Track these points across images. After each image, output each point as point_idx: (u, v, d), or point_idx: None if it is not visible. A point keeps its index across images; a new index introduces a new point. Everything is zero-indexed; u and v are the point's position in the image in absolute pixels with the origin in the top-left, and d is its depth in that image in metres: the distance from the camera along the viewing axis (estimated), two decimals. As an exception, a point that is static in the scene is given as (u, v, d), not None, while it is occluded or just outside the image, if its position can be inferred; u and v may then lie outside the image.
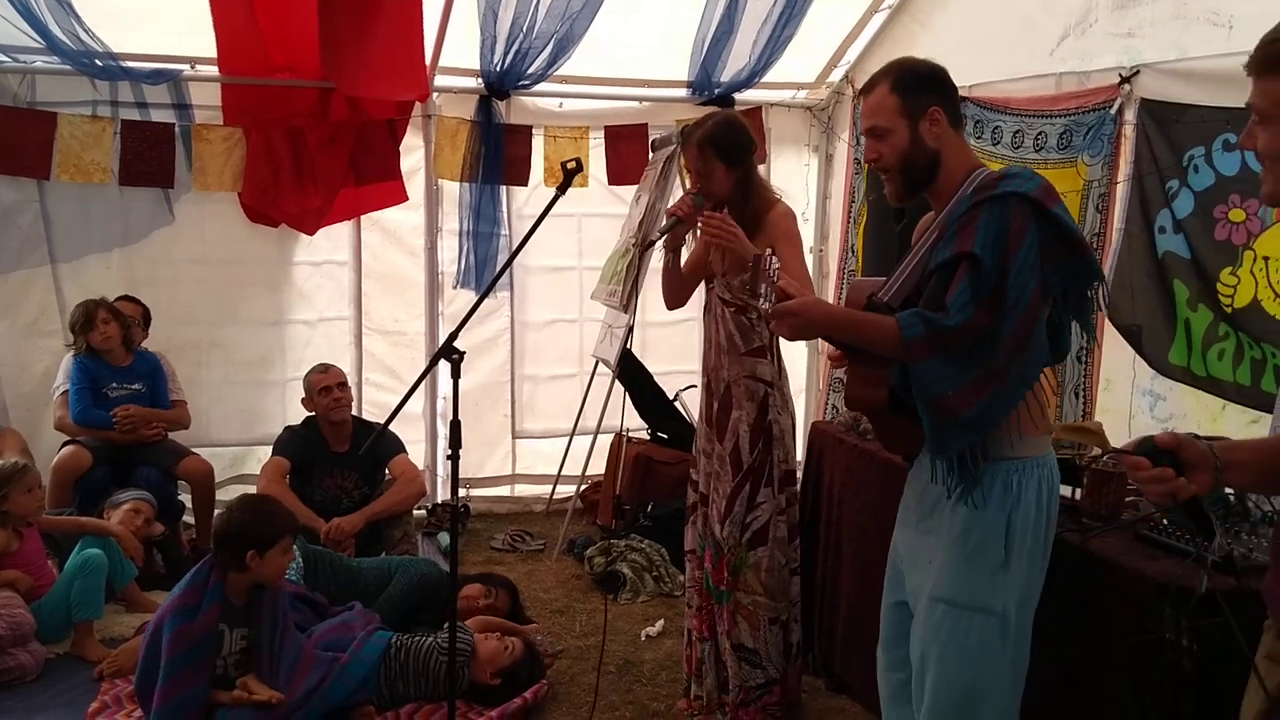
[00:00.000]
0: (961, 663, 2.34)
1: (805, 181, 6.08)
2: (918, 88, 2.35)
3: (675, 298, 3.52)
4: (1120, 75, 3.85)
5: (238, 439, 5.37)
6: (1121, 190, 3.90)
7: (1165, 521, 2.70)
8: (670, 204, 3.58)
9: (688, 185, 3.35)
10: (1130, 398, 3.89)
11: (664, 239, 3.30)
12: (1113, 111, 3.90)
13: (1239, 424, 3.31)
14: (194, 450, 4.81)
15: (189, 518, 4.88)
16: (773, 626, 3.41)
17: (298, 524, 3.56)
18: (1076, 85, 4.10)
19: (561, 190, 2.86)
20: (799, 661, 3.61)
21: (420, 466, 5.30)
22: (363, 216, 5.45)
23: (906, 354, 2.21)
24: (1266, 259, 3.35)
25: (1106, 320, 3.89)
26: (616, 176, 5.62)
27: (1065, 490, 2.93)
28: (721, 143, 3.21)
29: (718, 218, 3.08)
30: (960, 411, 2.20)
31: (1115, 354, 3.97)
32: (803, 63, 5.67)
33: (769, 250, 2.38)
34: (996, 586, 2.31)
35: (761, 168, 5.77)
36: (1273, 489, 2.10)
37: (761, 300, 2.21)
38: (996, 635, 2.32)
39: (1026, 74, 4.29)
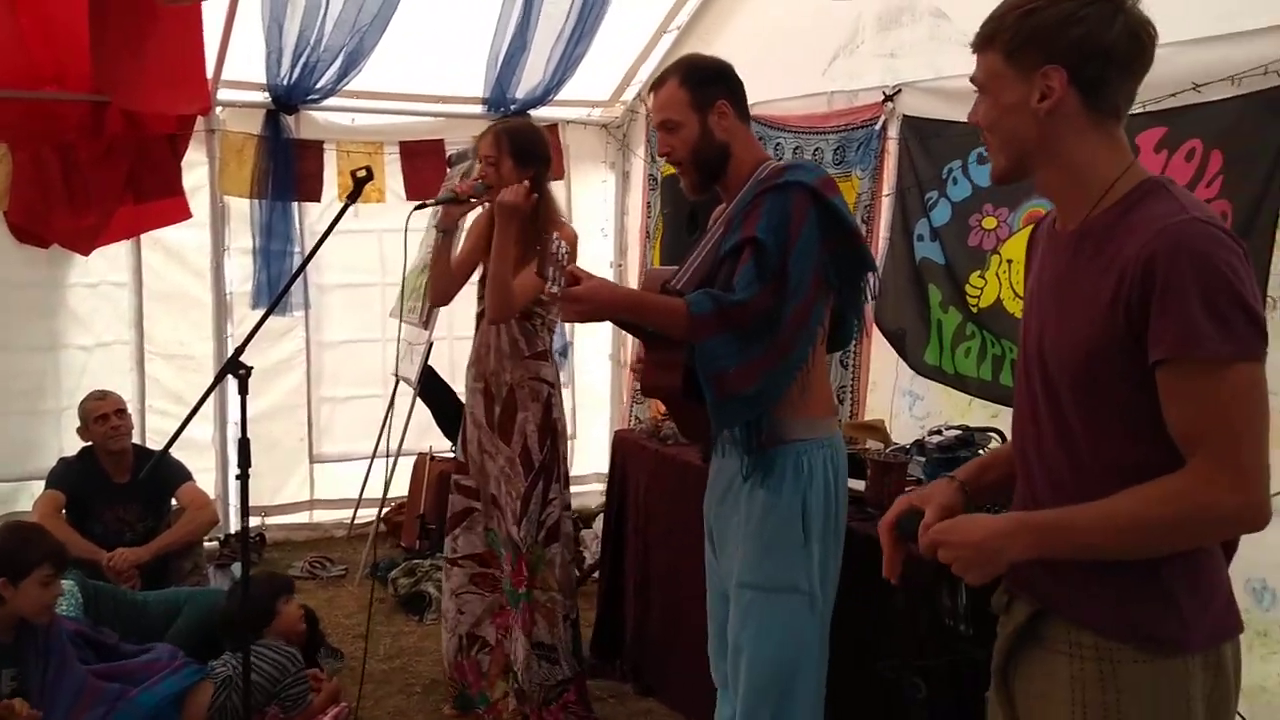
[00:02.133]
0: (774, 643, 2.44)
1: (604, 198, 6.17)
2: (705, 81, 2.46)
3: (442, 292, 3.53)
4: (884, 94, 4.11)
5: (9, 474, 4.98)
6: (886, 202, 4.16)
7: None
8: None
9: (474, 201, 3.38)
10: (893, 398, 4.15)
11: (439, 218, 3.33)
12: (878, 128, 4.15)
13: (982, 418, 3.59)
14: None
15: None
16: (566, 621, 3.48)
17: (61, 553, 3.28)
18: (846, 103, 4.35)
19: (352, 199, 2.83)
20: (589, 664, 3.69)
21: (211, 495, 5.07)
22: (143, 235, 5.17)
23: (694, 331, 2.29)
24: (1010, 261, 3.63)
25: (874, 326, 4.14)
26: (414, 192, 5.55)
27: (856, 484, 3.10)
28: (517, 138, 3.30)
29: (519, 187, 3.16)
30: (740, 388, 2.30)
31: (881, 357, 4.24)
32: (597, 81, 5.76)
33: (555, 234, 2.43)
34: (799, 565, 2.42)
35: (560, 184, 5.84)
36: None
37: (549, 284, 2.25)
38: (805, 613, 2.43)
39: (802, 93, 4.52)
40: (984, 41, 1.59)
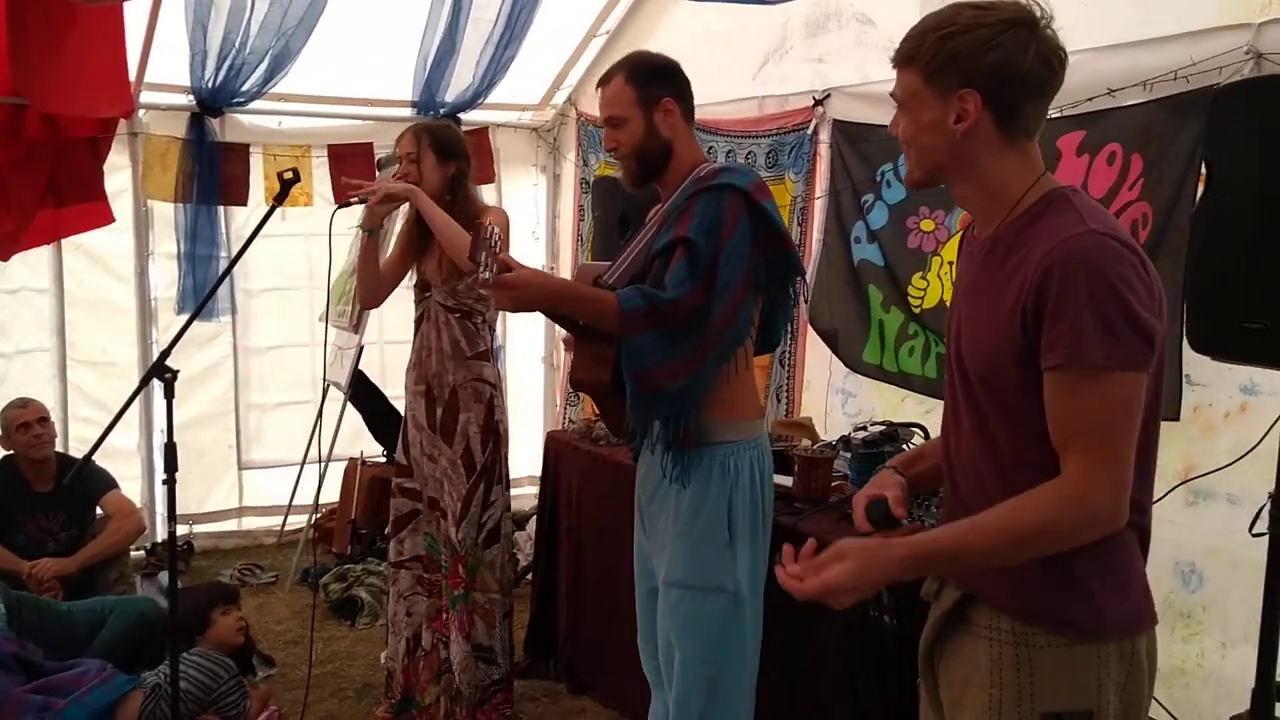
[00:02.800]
0: (702, 641, 2.47)
1: (535, 201, 6.18)
2: (652, 79, 2.50)
3: (372, 293, 3.54)
4: (814, 98, 4.18)
5: (-75, 484, 4.86)
6: (820, 204, 4.23)
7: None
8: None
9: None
10: (826, 397, 4.23)
11: (363, 218, 3.35)
12: (809, 132, 4.22)
13: (915, 413, 3.67)
14: None
15: None
16: (504, 621, 3.49)
17: None
18: (777, 107, 4.42)
19: (279, 200, 2.82)
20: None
21: (138, 504, 4.98)
22: (64, 240, 5.07)
23: (623, 326, 2.32)
24: (950, 263, 3.72)
25: (809, 326, 4.21)
26: (342, 195, 5.50)
27: (785, 480, 3.16)
28: (436, 133, 3.38)
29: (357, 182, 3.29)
30: (664, 385, 2.34)
31: (814, 357, 4.31)
32: (527, 85, 5.78)
33: (489, 220, 2.45)
34: (725, 565, 2.45)
35: (491, 187, 5.85)
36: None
37: (481, 270, 2.26)
38: (731, 611, 2.47)
39: (733, 97, 4.57)
40: (904, 60, 1.64)
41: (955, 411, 1.70)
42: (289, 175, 2.81)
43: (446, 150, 3.35)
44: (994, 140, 1.59)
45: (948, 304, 3.70)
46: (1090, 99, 3.11)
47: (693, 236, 2.33)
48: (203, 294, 5.23)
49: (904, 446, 3.08)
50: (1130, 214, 3.03)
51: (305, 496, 5.37)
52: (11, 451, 4.30)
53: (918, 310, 3.84)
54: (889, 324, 3.96)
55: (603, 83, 2.57)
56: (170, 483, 2.66)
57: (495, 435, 3.43)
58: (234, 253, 5.26)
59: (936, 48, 1.58)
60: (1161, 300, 1.53)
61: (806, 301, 2.51)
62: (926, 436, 3.15)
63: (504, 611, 3.49)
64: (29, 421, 4.26)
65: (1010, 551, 1.52)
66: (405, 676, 3.57)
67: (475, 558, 3.40)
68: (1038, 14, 1.57)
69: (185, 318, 5.19)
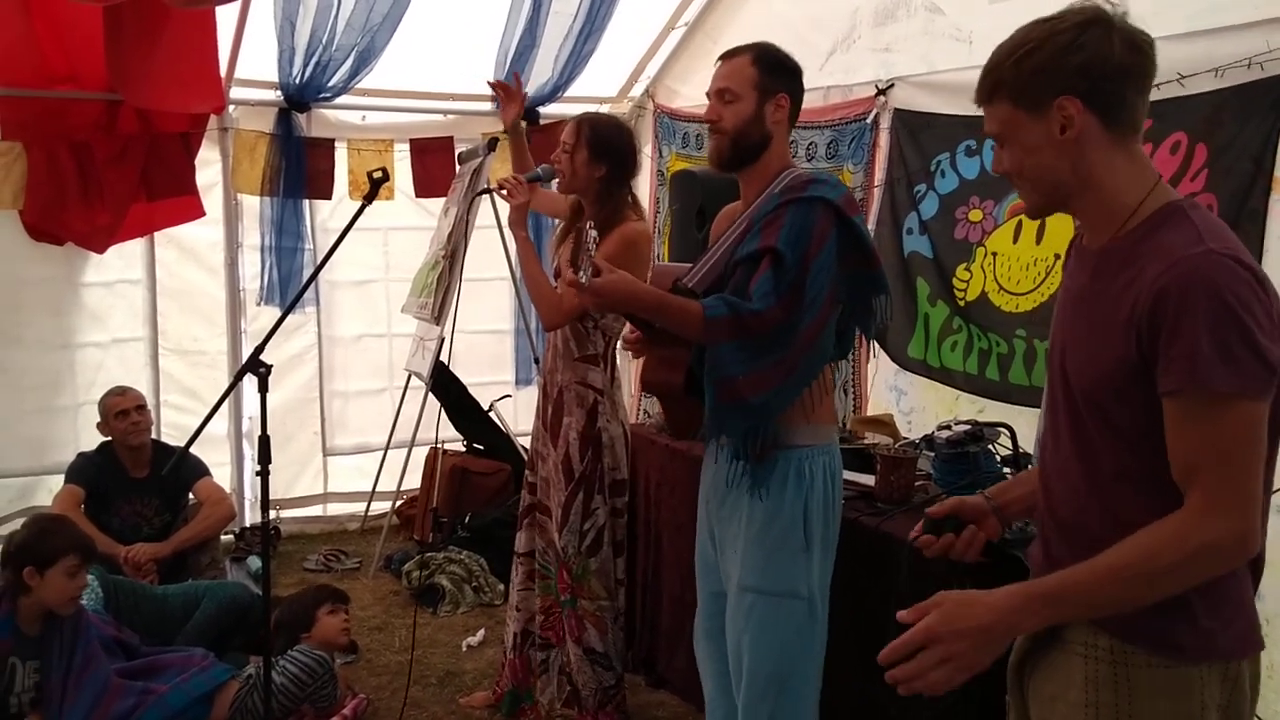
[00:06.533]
0: (774, 646, 2.47)
1: (611, 193, 6.19)
2: (776, 70, 2.49)
3: (548, 311, 3.28)
4: (877, 87, 4.14)
5: (26, 469, 5.05)
6: (877, 195, 4.19)
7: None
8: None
9: (499, 196, 3.38)
10: (881, 393, 4.20)
11: (508, 214, 3.30)
12: (870, 121, 4.19)
13: (969, 412, 3.62)
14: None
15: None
16: (615, 625, 3.45)
17: (88, 544, 3.33)
18: (841, 97, 4.40)
19: (369, 199, 2.86)
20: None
21: (227, 489, 5.12)
22: (157, 233, 5.23)
23: (708, 335, 2.32)
24: (995, 254, 3.67)
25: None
26: (423, 189, 5.60)
27: (867, 480, 3.14)
28: (597, 129, 3.23)
29: (515, 177, 3.21)
30: (746, 397, 2.33)
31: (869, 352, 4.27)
32: (605, 78, 5.79)
33: (589, 224, 2.45)
34: (800, 571, 2.45)
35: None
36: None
37: (578, 273, 2.28)
38: (805, 617, 2.47)
39: (802, 87, 4.54)
40: (989, 94, 1.61)
41: (1054, 421, 1.68)
42: (379, 174, 2.85)
43: (600, 149, 3.18)
44: (1103, 141, 1.56)
45: (990, 296, 3.70)
46: (1158, 85, 3.03)
47: (781, 248, 2.31)
48: (287, 285, 5.38)
49: (990, 447, 3.03)
50: (1192, 206, 2.97)
51: (388, 483, 5.49)
52: (109, 438, 4.45)
53: (962, 303, 3.79)
54: (934, 317, 3.92)
55: (726, 57, 2.53)
56: (264, 474, 2.72)
57: (595, 444, 3.33)
58: (317, 245, 5.44)
59: (1018, 69, 1.56)
60: (1278, 323, 1.48)
61: (890, 320, 2.47)
62: (1014, 437, 3.10)
63: (614, 616, 3.44)
64: (127, 409, 4.40)
65: (1135, 594, 1.48)
66: (511, 671, 3.59)
67: (580, 565, 3.35)
68: (1109, 9, 1.55)
69: (269, 308, 5.37)
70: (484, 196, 4.03)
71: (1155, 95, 2.96)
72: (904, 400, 4.13)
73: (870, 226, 4.17)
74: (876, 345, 4.12)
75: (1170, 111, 3.03)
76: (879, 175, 4.20)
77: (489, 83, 3.78)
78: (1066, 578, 1.51)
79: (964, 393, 3.80)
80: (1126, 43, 1.54)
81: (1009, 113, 1.59)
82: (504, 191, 3.26)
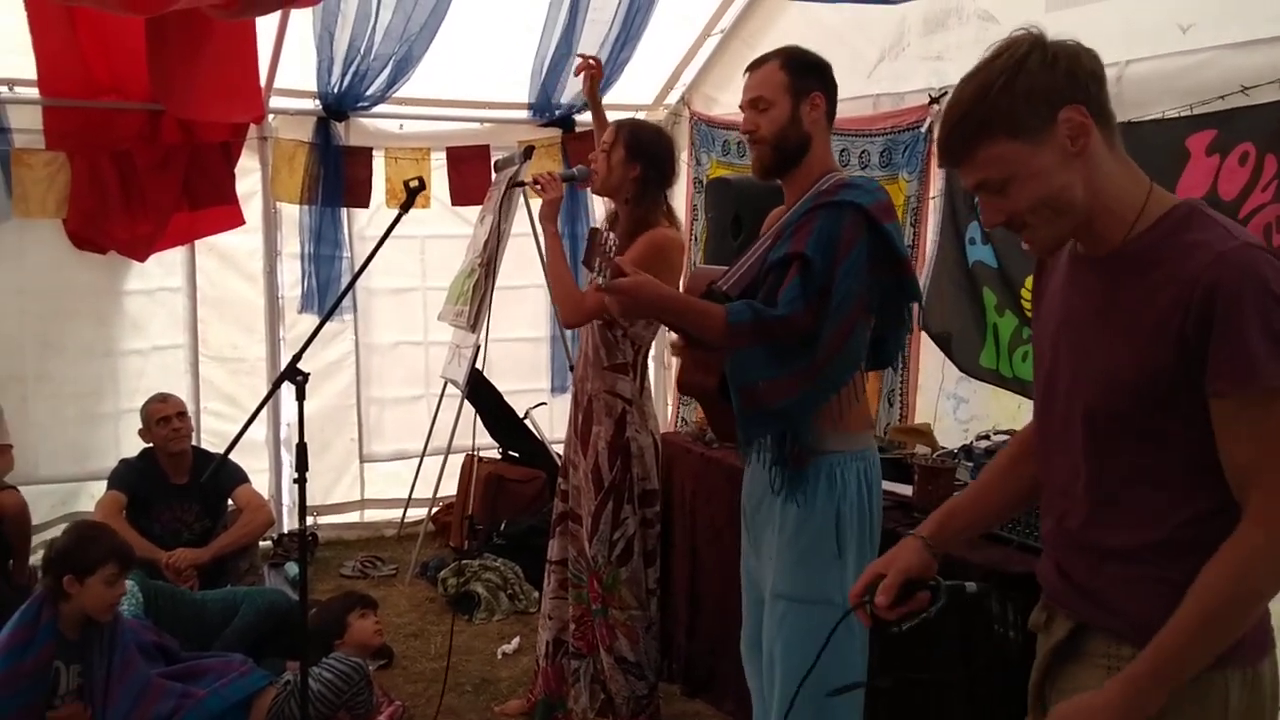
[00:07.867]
0: (806, 655, 2.44)
1: (647, 200, 6.19)
2: (806, 71, 2.47)
3: (568, 308, 3.26)
4: (930, 96, 4.10)
5: (69, 475, 5.12)
6: (934, 205, 4.15)
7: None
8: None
9: (534, 205, 3.39)
10: (938, 402, 4.14)
11: (540, 210, 3.29)
12: (924, 130, 4.15)
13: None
14: (14, 486, 4.55)
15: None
16: (647, 635, 3.43)
17: (127, 553, 3.35)
18: (892, 106, 4.35)
19: (405, 208, 2.86)
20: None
21: (265, 496, 5.17)
22: (197, 241, 5.29)
23: (730, 339, 2.29)
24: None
25: (921, 330, 4.13)
26: (460, 197, 5.63)
27: (905, 489, 3.11)
28: (636, 132, 3.25)
29: (549, 173, 3.21)
30: (769, 403, 2.31)
31: (926, 360, 4.22)
32: (641, 85, 5.79)
33: (605, 225, 2.43)
34: (833, 578, 2.41)
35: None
36: (988, 528, 2.29)
37: (595, 274, 2.26)
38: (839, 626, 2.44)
39: (848, 95, 4.49)
40: (972, 141, 1.52)
41: (1066, 447, 1.63)
42: (415, 184, 2.85)
43: (636, 150, 3.18)
44: (1102, 146, 1.53)
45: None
46: (1222, 97, 2.98)
47: (809, 253, 2.29)
48: (325, 292, 5.43)
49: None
50: (1263, 217, 2.90)
51: (424, 490, 5.51)
52: (151, 444, 4.49)
53: (1030, 315, 3.74)
54: (1003, 328, 3.86)
55: (753, 67, 2.52)
56: (301, 482, 2.73)
57: (624, 453, 3.32)
58: (355, 253, 5.48)
59: (1007, 99, 1.49)
60: None
61: (921, 327, 2.43)
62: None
63: (645, 625, 3.42)
64: (168, 415, 4.45)
65: (1225, 627, 1.45)
66: (544, 679, 3.59)
67: (611, 575, 3.34)
68: (1036, 31, 1.53)
69: (308, 316, 5.42)
70: (520, 200, 4.03)
71: (1220, 106, 2.97)
72: (963, 409, 4.07)
73: (930, 237, 4.14)
74: (942, 354, 4.07)
75: (1236, 122, 2.97)
76: (935, 184, 4.16)
77: (579, 55, 3.82)
78: (1161, 643, 1.47)
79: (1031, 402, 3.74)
80: (1082, 50, 1.52)
81: (1007, 149, 1.50)
82: (538, 186, 3.27)
